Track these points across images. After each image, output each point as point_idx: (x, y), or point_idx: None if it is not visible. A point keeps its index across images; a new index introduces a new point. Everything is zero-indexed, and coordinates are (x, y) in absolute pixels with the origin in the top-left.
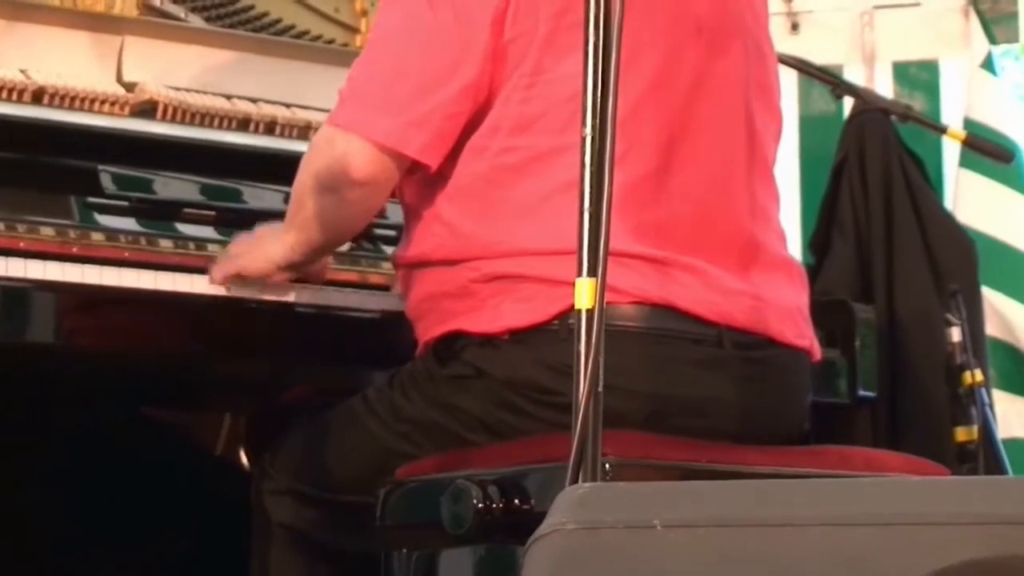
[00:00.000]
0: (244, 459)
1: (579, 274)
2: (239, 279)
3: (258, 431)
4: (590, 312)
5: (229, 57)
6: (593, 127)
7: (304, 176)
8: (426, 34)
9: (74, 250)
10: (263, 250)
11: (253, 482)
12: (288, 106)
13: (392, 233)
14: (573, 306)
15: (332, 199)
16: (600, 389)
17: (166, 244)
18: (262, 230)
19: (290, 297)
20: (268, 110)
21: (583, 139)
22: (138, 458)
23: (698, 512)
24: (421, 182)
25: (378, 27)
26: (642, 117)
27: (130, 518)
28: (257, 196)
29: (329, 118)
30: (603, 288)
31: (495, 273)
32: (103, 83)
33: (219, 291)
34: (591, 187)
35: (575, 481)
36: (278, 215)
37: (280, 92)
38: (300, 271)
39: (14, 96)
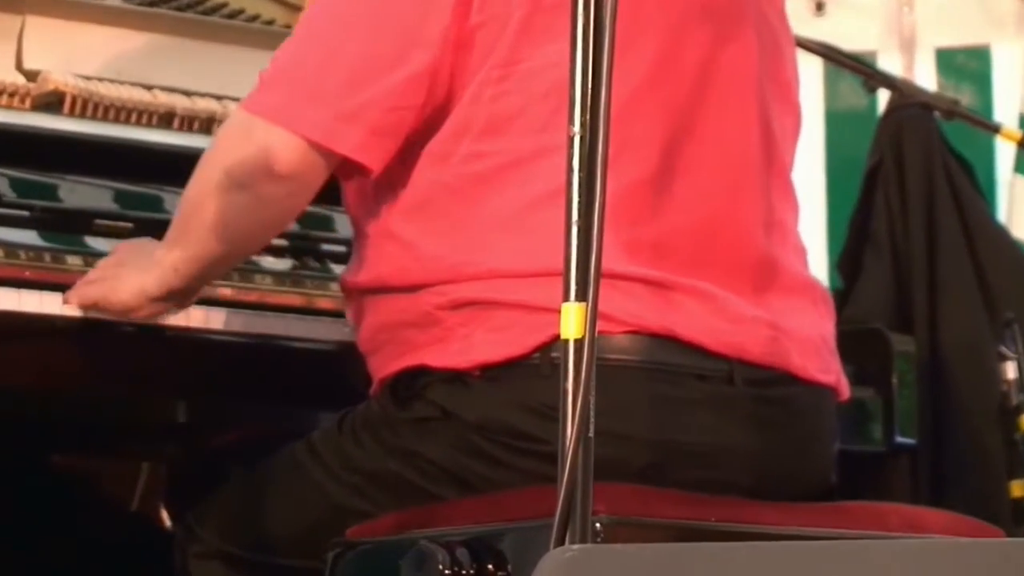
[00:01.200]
0: (165, 515)
1: (565, 298)
2: (97, 310)
3: (182, 482)
4: (579, 343)
5: (150, 41)
6: (583, 124)
7: (207, 172)
8: (372, 12)
9: None
10: (128, 279)
11: (176, 544)
12: (220, 99)
13: (342, 249)
14: (557, 336)
15: (244, 198)
16: (591, 434)
17: (75, 261)
18: (122, 251)
19: (221, 324)
20: (196, 103)
21: (570, 139)
22: (44, 513)
23: None
24: (367, 192)
25: (315, 2)
26: (637, 113)
27: None
28: None
29: (245, 104)
30: (594, 314)
31: (464, 298)
32: (0, 71)
33: (137, 318)
34: (580, 195)
35: (561, 542)
36: None
37: (211, 82)
38: (177, 302)
39: None
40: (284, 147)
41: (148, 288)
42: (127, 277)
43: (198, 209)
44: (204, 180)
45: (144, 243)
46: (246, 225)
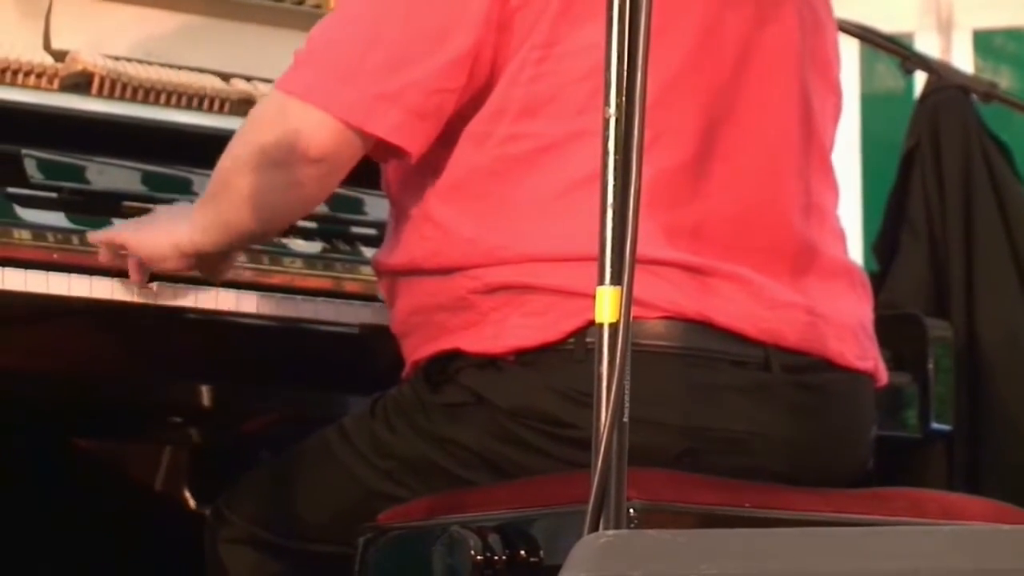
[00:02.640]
0: (188, 496)
1: (600, 283)
2: (120, 253)
3: (211, 466)
4: (613, 328)
5: (178, 21)
6: (618, 107)
7: (241, 148)
8: None
9: None
10: (162, 227)
11: (207, 529)
12: (249, 79)
13: (372, 232)
14: (592, 322)
15: (278, 176)
16: (625, 419)
17: None
18: (161, 208)
19: (250, 308)
20: (225, 84)
21: (606, 121)
22: (68, 495)
23: (741, 566)
24: (409, 175)
25: None
26: (677, 97)
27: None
28: None
29: (280, 83)
30: (629, 299)
31: (498, 283)
32: (27, 51)
33: (164, 301)
34: (615, 179)
35: (595, 528)
36: None
37: (241, 63)
38: (204, 264)
39: None
40: (318, 128)
41: (178, 239)
42: (159, 225)
43: (229, 184)
44: (236, 156)
45: (181, 206)
46: (276, 203)
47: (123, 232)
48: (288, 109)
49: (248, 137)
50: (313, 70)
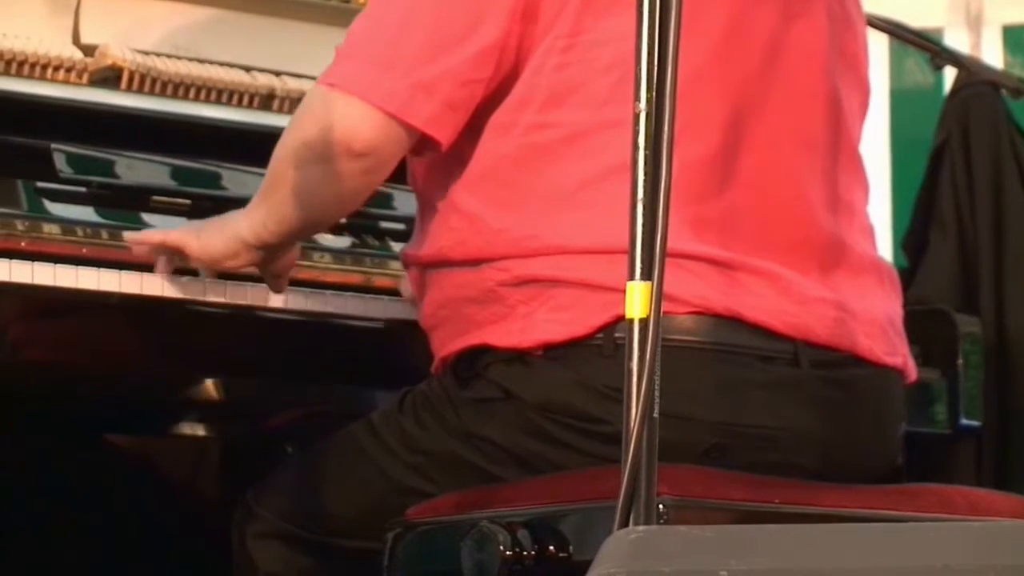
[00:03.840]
0: (216, 492)
1: (631, 277)
2: (172, 255)
3: (240, 462)
4: (644, 323)
5: (206, 15)
6: (648, 101)
7: (289, 143)
8: None
9: (22, 244)
10: (224, 227)
11: (235, 524)
12: (278, 74)
13: (401, 227)
14: (620, 316)
15: (323, 171)
16: (655, 415)
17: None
18: (215, 218)
19: (279, 303)
20: (254, 79)
21: (636, 115)
22: (99, 492)
23: (771, 562)
24: (434, 165)
25: None
26: (703, 90)
27: (89, 562)
28: (239, 181)
29: (322, 77)
30: (660, 294)
31: (527, 275)
32: (57, 46)
33: (193, 295)
34: (646, 173)
35: (625, 524)
36: None
37: (268, 58)
38: (270, 257)
39: None
40: (362, 123)
41: (241, 233)
42: (216, 225)
43: (280, 179)
44: (286, 150)
45: (230, 212)
46: (324, 197)
47: (181, 235)
48: (331, 102)
49: (295, 132)
50: (353, 62)
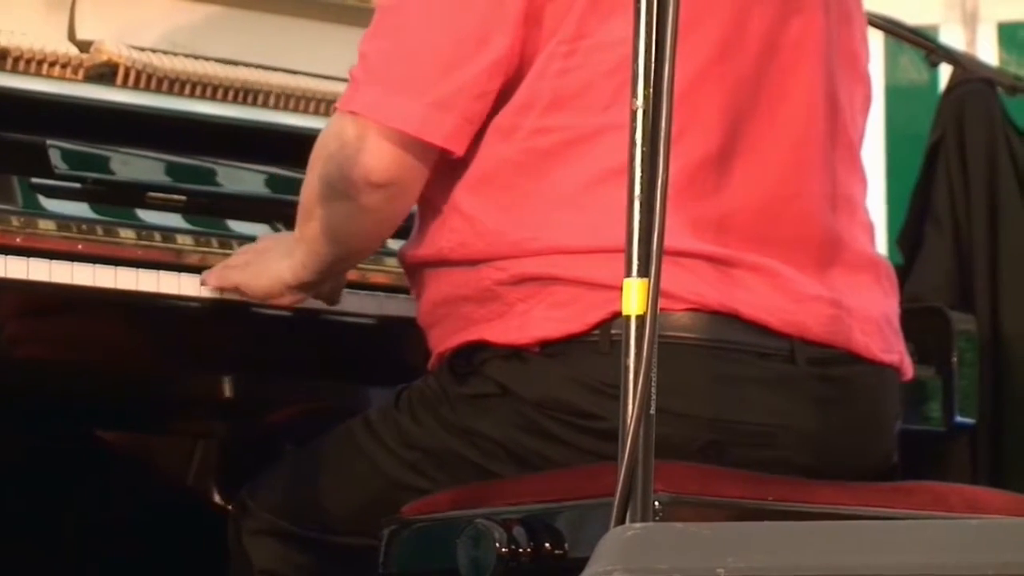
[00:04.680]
0: (216, 493)
1: (628, 274)
2: (237, 293)
3: (235, 459)
4: (640, 319)
5: (202, 12)
6: (646, 98)
7: (312, 179)
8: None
9: (17, 240)
10: (268, 266)
11: (230, 521)
12: (274, 70)
13: None
14: (616, 313)
15: (346, 207)
16: (652, 412)
17: (127, 234)
18: (266, 241)
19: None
20: (249, 75)
21: (633, 113)
22: (90, 490)
23: (769, 560)
24: (437, 167)
25: None
26: (703, 90)
27: (84, 559)
28: (235, 177)
29: (340, 103)
30: (657, 291)
31: (524, 274)
32: (53, 42)
33: (188, 291)
34: (643, 171)
35: (622, 521)
36: (259, 199)
37: (264, 54)
38: (312, 292)
39: None
40: (379, 155)
41: (285, 277)
42: (267, 264)
43: (309, 216)
44: (310, 186)
45: (282, 237)
46: (354, 232)
47: (235, 276)
48: (345, 131)
49: (316, 169)
50: (365, 87)
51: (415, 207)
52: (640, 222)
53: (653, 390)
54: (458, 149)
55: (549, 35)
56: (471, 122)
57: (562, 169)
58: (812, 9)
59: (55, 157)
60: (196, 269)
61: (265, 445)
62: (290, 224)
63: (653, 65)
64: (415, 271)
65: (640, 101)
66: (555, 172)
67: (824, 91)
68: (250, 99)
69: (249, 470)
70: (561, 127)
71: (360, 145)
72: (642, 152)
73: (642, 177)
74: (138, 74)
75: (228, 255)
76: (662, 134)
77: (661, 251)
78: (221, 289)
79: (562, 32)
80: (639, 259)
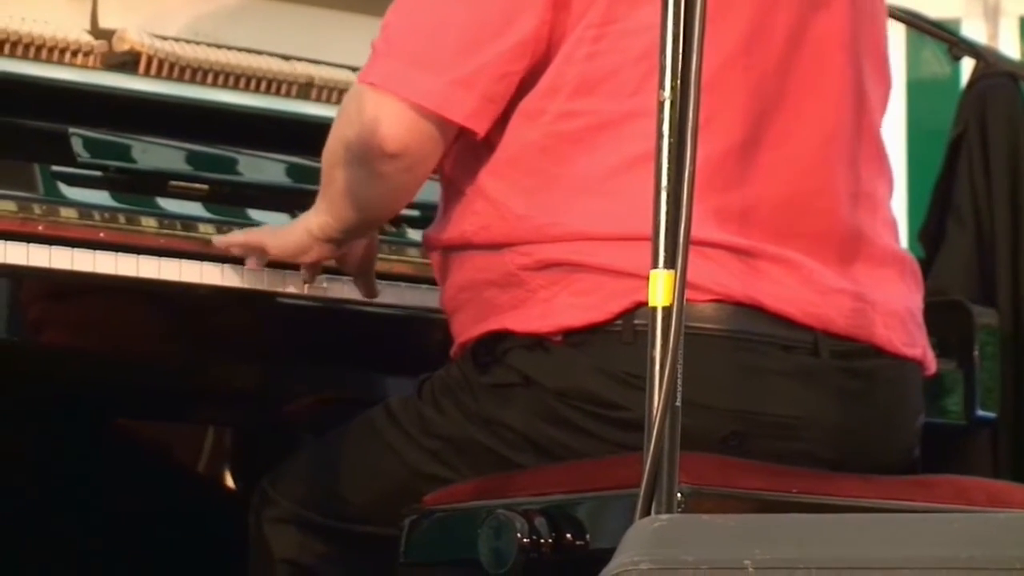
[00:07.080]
0: (230, 479)
1: (654, 265)
2: (257, 254)
3: (256, 447)
4: (667, 311)
5: (226, 1)
6: (673, 89)
7: (333, 144)
8: None
9: (40, 228)
10: (293, 226)
11: (251, 509)
12: (296, 60)
13: (417, 214)
14: (640, 302)
15: (363, 173)
16: (678, 403)
17: (149, 223)
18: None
19: (296, 289)
20: (272, 64)
21: (660, 103)
22: (114, 477)
23: (794, 552)
24: (462, 151)
25: None
26: (728, 81)
27: (102, 547)
28: (257, 167)
29: (360, 75)
30: (683, 283)
31: (548, 259)
32: (75, 30)
33: (209, 280)
34: (670, 162)
35: (647, 512)
36: (281, 189)
37: (287, 43)
38: (341, 248)
39: None
40: (395, 124)
41: (312, 229)
42: (291, 225)
43: (331, 179)
44: (331, 151)
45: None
46: (371, 197)
47: (260, 234)
48: (364, 101)
49: (336, 133)
50: (387, 59)
51: (440, 191)
52: (667, 213)
53: (679, 382)
54: (479, 129)
55: (577, 19)
56: (493, 102)
57: (587, 155)
58: (839, 4)
59: (77, 145)
60: (218, 258)
61: (286, 434)
62: None
63: (681, 57)
64: (439, 255)
65: (667, 92)
66: (580, 157)
67: (852, 85)
68: (272, 88)
69: (269, 460)
70: (587, 112)
71: (377, 114)
72: (669, 143)
73: (669, 168)
74: (160, 63)
75: None
76: (689, 125)
77: (688, 243)
78: (246, 247)
79: (590, 16)
80: (666, 250)
